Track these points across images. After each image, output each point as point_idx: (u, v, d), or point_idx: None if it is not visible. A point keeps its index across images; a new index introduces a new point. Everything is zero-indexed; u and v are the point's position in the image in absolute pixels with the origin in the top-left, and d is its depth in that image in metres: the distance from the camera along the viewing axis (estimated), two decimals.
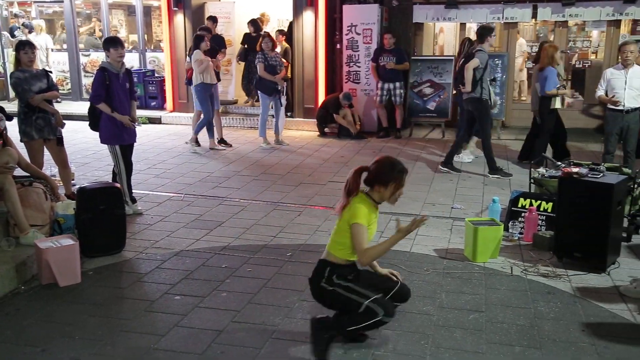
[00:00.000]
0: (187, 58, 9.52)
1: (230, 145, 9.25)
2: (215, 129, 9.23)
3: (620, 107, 6.68)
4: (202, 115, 9.07)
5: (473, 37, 8.60)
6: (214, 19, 10.68)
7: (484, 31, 7.56)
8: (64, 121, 6.16)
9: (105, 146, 6.06)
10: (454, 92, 7.93)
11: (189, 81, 9.32)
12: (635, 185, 5.40)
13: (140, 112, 11.56)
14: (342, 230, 3.42)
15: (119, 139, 5.92)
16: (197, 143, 9.15)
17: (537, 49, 8.76)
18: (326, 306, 3.56)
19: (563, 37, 10.38)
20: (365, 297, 3.37)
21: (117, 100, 5.80)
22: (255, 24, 11.35)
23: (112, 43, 5.78)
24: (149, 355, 3.46)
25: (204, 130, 9.11)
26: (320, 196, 6.77)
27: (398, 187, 3.42)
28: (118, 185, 5.40)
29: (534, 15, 10.02)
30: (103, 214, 4.97)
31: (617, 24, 10.02)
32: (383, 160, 3.46)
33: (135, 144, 6.22)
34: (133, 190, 6.23)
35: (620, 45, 6.91)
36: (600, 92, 6.82)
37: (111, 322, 3.87)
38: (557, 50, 7.77)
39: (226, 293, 4.29)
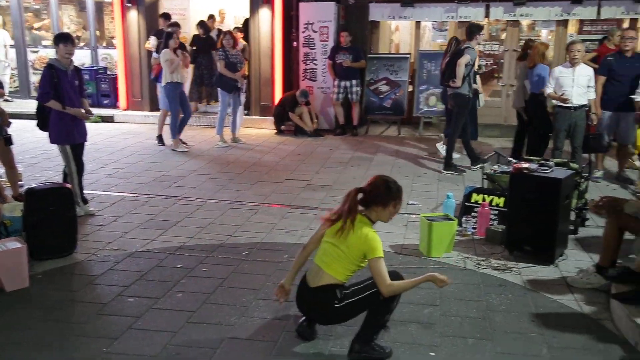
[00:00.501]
0: (154, 54, 9.43)
1: (186, 144, 9.14)
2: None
3: (569, 105, 6.89)
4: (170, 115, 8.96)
5: (461, 35, 8.70)
6: (167, 16, 10.53)
7: (474, 29, 7.69)
8: (10, 120, 5.98)
9: (55, 146, 5.91)
10: (446, 86, 7.94)
11: (157, 78, 9.20)
12: (582, 180, 5.58)
13: (91, 110, 11.40)
14: (351, 258, 3.36)
15: (70, 138, 5.79)
16: (182, 142, 9.04)
17: (521, 46, 8.82)
18: (345, 321, 3.51)
19: (515, 36, 10.63)
20: (370, 286, 3.36)
21: (67, 98, 5.67)
22: (204, 25, 11.14)
23: (62, 39, 5.64)
24: None
25: (166, 127, 9.00)
26: (277, 194, 6.77)
27: (396, 206, 3.46)
28: (69, 185, 5.29)
29: (487, 15, 10.22)
30: (53, 216, 4.86)
31: (565, 23, 10.32)
32: (378, 182, 3.47)
33: (86, 143, 6.09)
34: (85, 191, 6.11)
35: (568, 45, 7.12)
36: (549, 90, 7.01)
37: (62, 326, 3.79)
38: (548, 48, 7.95)
39: (181, 293, 4.25)
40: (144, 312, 3.96)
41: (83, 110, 5.81)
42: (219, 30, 11.28)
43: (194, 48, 10.95)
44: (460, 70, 7.56)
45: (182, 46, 9.00)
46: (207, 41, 11.04)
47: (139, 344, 3.56)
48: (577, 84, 6.85)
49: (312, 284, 3.45)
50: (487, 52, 11.77)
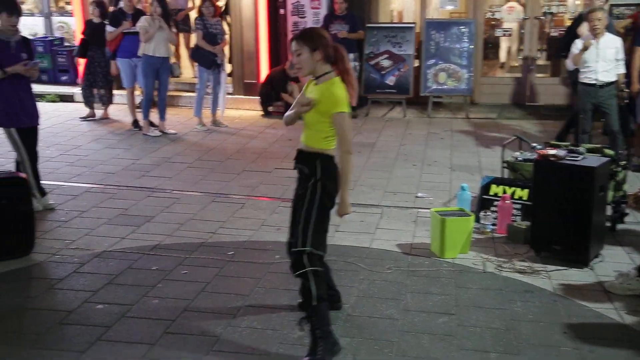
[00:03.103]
0: (108, 27, 9.14)
1: (157, 126, 9.07)
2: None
3: (593, 82, 6.89)
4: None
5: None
6: None
7: None
8: None
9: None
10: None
11: (114, 54, 9.13)
12: (619, 169, 5.57)
13: (48, 88, 11.32)
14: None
15: (15, 120, 5.68)
16: (152, 124, 9.01)
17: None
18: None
19: (536, 3, 10.62)
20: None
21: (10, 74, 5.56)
22: (101, 6, 9.54)
23: (6, 7, 5.53)
24: None
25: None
26: (266, 185, 6.73)
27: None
28: (23, 175, 5.22)
29: None
30: (5, 210, 4.82)
31: None
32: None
33: (42, 127, 6.02)
34: (42, 181, 6.04)
35: (587, 14, 7.12)
36: (568, 61, 7.02)
37: (18, 338, 3.76)
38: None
39: (158, 300, 4.23)
40: (114, 322, 3.93)
41: (24, 65, 5.60)
42: (136, 11, 9.34)
43: (83, 37, 9.53)
44: None
45: (139, 12, 8.99)
46: (101, 28, 9.31)
47: (110, 359, 3.53)
48: (602, 58, 6.86)
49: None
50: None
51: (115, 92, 10.30)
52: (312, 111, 3.62)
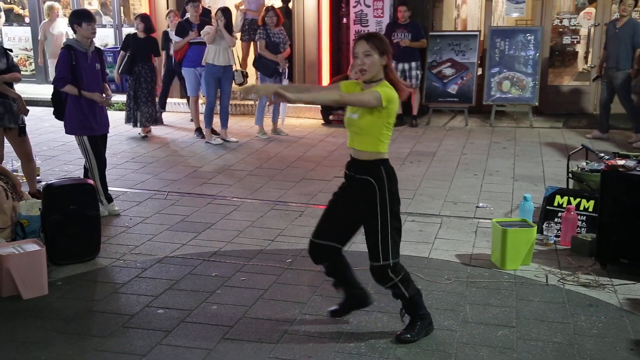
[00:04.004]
0: (175, 37, 9.37)
1: (219, 135, 9.23)
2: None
3: None
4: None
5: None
6: None
7: None
8: (28, 107, 6.15)
9: (73, 137, 6.04)
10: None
11: (179, 64, 9.35)
12: None
13: (116, 97, 11.62)
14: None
15: (87, 128, 5.89)
16: (214, 132, 9.20)
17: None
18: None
19: (607, 9, 10.32)
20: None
21: (86, 83, 5.78)
22: (146, 20, 9.38)
23: (85, 17, 5.77)
24: None
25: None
26: (325, 194, 6.74)
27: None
28: (91, 181, 5.39)
29: None
30: (74, 215, 4.96)
31: None
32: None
33: (110, 134, 6.21)
34: (109, 188, 6.23)
35: None
36: None
37: (83, 340, 3.86)
38: None
39: (217, 306, 4.28)
40: (174, 326, 4.00)
41: (104, 96, 5.91)
42: (202, 21, 9.39)
43: (127, 54, 9.20)
44: None
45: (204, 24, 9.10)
46: (147, 44, 9.23)
47: None
48: None
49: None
50: (573, 27, 11.46)
51: (178, 100, 10.56)
52: (365, 114, 3.58)
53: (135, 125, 9.30)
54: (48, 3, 12.15)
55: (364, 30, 10.51)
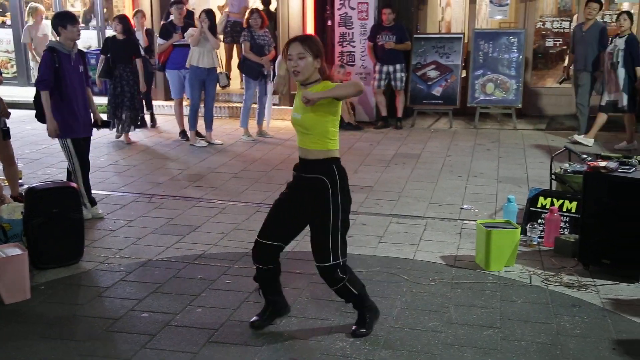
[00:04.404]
0: (159, 39, 9.38)
1: (203, 137, 9.21)
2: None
3: None
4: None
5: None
6: None
7: None
8: (9, 110, 6.10)
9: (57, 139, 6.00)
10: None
11: (163, 66, 9.32)
12: None
13: (99, 100, 11.54)
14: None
15: (70, 131, 5.85)
16: (199, 135, 9.18)
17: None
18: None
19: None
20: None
21: (70, 86, 5.74)
22: (124, 21, 9.09)
23: (69, 19, 5.74)
24: None
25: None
26: None
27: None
28: (74, 184, 5.36)
29: None
30: (56, 219, 4.93)
31: None
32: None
33: (93, 137, 6.17)
34: (92, 191, 6.19)
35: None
36: None
37: (66, 344, 3.84)
38: None
39: (201, 309, 4.28)
40: (159, 330, 3.99)
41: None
42: (147, 31, 9.96)
43: (108, 55, 8.97)
44: None
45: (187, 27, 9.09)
46: (126, 45, 8.97)
47: None
48: None
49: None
50: (556, 29, 11.55)
51: (163, 103, 10.52)
52: (310, 114, 3.63)
53: (117, 131, 9.12)
54: (32, 5, 12.04)
55: (348, 33, 10.55)
